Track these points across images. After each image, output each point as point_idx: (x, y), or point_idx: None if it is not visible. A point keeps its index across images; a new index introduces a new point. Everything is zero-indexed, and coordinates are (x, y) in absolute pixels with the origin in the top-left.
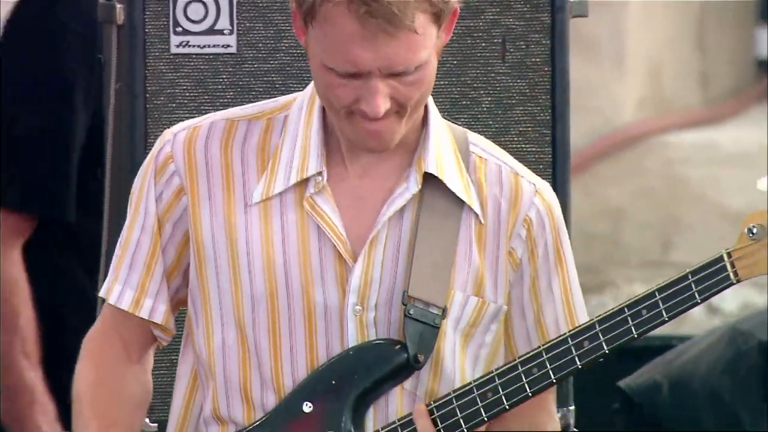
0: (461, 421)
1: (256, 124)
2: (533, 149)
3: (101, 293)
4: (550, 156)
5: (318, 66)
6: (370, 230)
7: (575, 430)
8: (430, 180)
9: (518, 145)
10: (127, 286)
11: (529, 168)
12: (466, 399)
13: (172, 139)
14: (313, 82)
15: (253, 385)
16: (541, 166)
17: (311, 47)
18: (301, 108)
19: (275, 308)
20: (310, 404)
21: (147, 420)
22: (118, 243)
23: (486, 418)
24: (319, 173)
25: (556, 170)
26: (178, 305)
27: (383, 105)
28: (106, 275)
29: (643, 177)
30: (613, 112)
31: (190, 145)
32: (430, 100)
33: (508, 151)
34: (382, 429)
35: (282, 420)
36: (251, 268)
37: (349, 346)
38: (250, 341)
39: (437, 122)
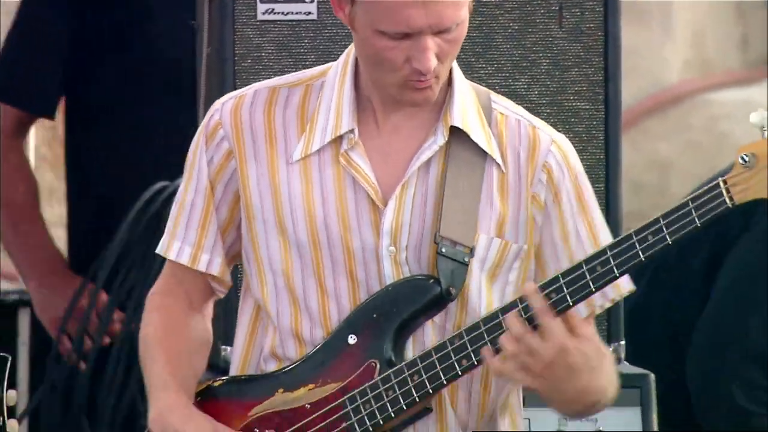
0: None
1: (296, 90)
2: (588, 107)
3: (159, 250)
4: (603, 113)
5: (369, 33)
6: (401, 179)
7: (626, 362)
8: (455, 133)
9: (574, 104)
10: (186, 242)
11: (582, 124)
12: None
13: (221, 108)
14: (350, 51)
15: (303, 325)
16: (594, 122)
17: (359, 18)
18: (335, 74)
19: (318, 254)
20: (354, 337)
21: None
22: (173, 203)
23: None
24: (351, 131)
25: (608, 126)
26: (234, 260)
27: (433, 61)
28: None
29: (688, 132)
30: (660, 73)
31: (237, 113)
32: (454, 65)
33: (564, 109)
34: (439, 343)
35: (330, 352)
36: (294, 219)
37: (387, 284)
38: (297, 286)
39: (461, 82)
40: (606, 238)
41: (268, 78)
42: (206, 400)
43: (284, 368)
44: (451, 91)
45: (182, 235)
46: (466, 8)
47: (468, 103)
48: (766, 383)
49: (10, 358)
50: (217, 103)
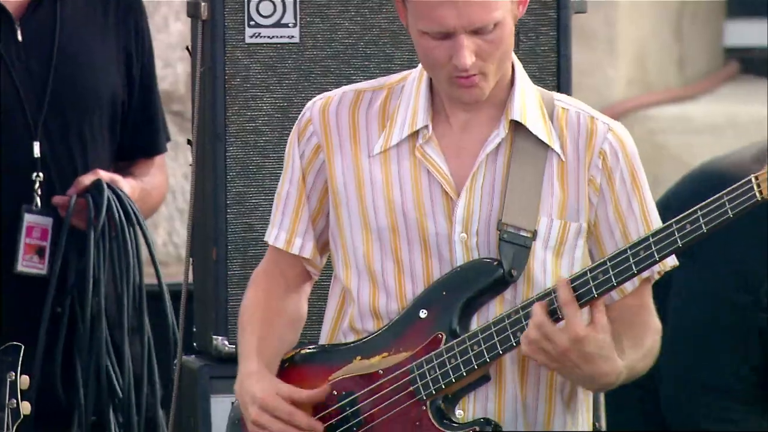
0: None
1: (379, 93)
2: None
3: (265, 237)
4: None
5: (417, 35)
6: (470, 171)
7: None
8: (518, 128)
9: None
10: (282, 229)
11: None
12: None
13: (311, 107)
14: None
15: (380, 302)
16: None
17: (410, 22)
18: (414, 79)
19: (396, 238)
20: (425, 311)
21: None
22: (275, 193)
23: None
24: (426, 126)
25: None
26: (325, 247)
27: (469, 58)
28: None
29: None
30: (605, 91)
31: (325, 111)
32: (519, 66)
33: None
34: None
35: (403, 324)
36: (375, 206)
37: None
38: (377, 266)
39: (523, 81)
40: (656, 217)
41: (256, 95)
42: (292, 365)
43: (362, 338)
44: (512, 89)
45: (279, 222)
46: (501, 11)
47: (529, 100)
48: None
49: (23, 347)
50: (309, 104)
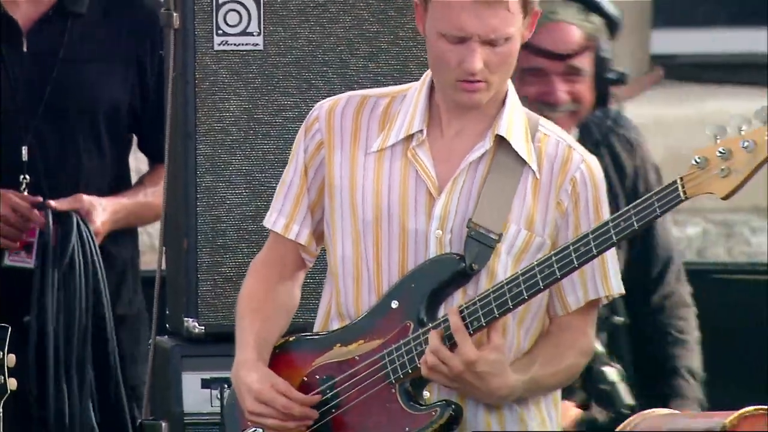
0: (481, 317)
1: (382, 100)
2: None
3: (264, 221)
4: None
5: (434, 37)
6: (453, 174)
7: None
8: (502, 142)
9: None
10: (281, 214)
11: None
12: (487, 299)
13: (320, 108)
14: (429, 72)
15: (363, 291)
16: None
17: (429, 24)
18: (415, 89)
19: (379, 230)
20: (396, 302)
21: None
22: (278, 184)
23: (527, 297)
24: (421, 131)
25: None
26: (321, 236)
27: (478, 63)
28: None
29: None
30: None
31: (331, 112)
32: (512, 87)
33: None
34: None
35: (377, 314)
36: (364, 199)
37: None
38: (361, 253)
39: (514, 102)
40: (613, 253)
41: (223, 97)
42: (281, 353)
43: (343, 327)
44: (503, 107)
45: (279, 208)
46: (514, 29)
47: (516, 120)
48: None
49: (9, 328)
50: (319, 104)
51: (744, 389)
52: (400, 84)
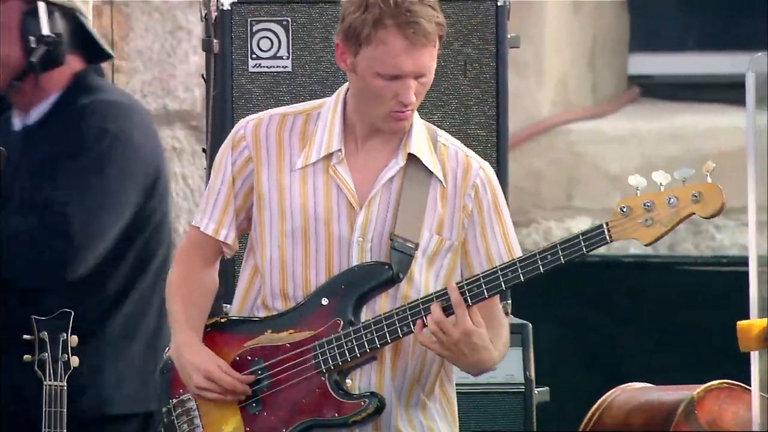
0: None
1: (299, 117)
2: (485, 134)
3: (194, 222)
4: (495, 139)
5: (369, 76)
6: (371, 189)
7: (512, 315)
8: (411, 158)
9: (475, 132)
10: (211, 220)
11: (480, 146)
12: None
13: (245, 126)
14: (340, 91)
15: (289, 287)
16: (489, 145)
17: (362, 65)
18: (329, 108)
19: (307, 236)
20: (326, 299)
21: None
22: (206, 188)
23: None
24: (339, 150)
25: (499, 148)
26: (241, 233)
27: (413, 96)
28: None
29: (554, 152)
30: (534, 110)
31: (256, 130)
32: None
33: (468, 136)
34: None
35: (308, 308)
36: (292, 211)
37: (353, 265)
38: (288, 258)
39: (417, 120)
40: (513, 238)
41: (256, 112)
42: (213, 331)
43: (273, 315)
44: (411, 126)
45: (210, 214)
46: (434, 62)
47: (421, 136)
48: None
49: (72, 313)
50: (242, 122)
51: (709, 372)
52: None
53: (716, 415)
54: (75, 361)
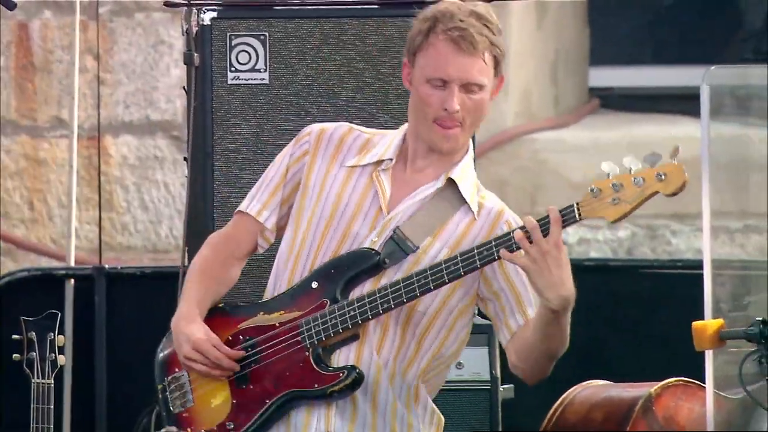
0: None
1: (365, 135)
2: None
3: (239, 207)
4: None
5: (420, 84)
6: (404, 202)
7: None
8: (451, 184)
9: None
10: (258, 201)
11: None
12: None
13: (314, 127)
14: (403, 128)
15: (296, 272)
16: None
17: (416, 74)
18: (393, 132)
19: (329, 227)
20: (316, 283)
21: None
22: (260, 179)
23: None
24: (390, 159)
25: None
26: (281, 229)
27: (456, 105)
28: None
29: (519, 160)
30: (500, 120)
31: (323, 131)
32: (471, 148)
33: None
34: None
35: (299, 291)
36: (326, 201)
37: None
38: (306, 244)
39: (470, 158)
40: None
41: (235, 123)
42: (212, 315)
43: (266, 300)
44: (461, 160)
45: (257, 197)
46: (487, 80)
47: (468, 172)
48: None
49: (59, 314)
50: (315, 125)
51: (666, 371)
52: (382, 111)
53: (673, 411)
54: (62, 359)
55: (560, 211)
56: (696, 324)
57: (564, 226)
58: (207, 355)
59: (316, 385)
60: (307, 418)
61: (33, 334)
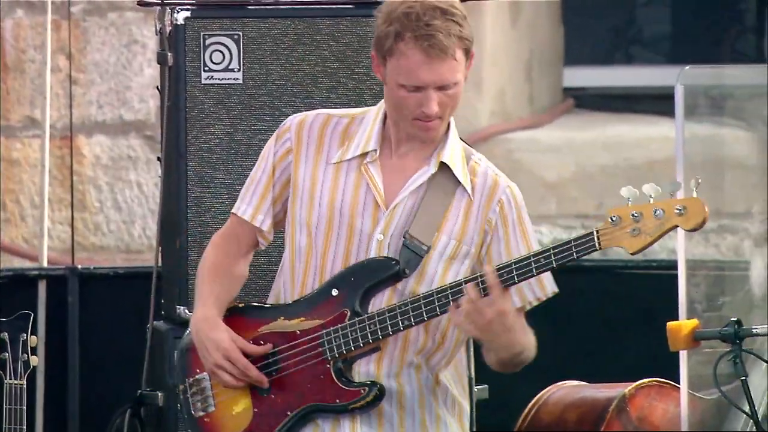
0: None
1: (344, 119)
2: None
3: (233, 210)
4: None
5: (394, 86)
6: (400, 192)
7: None
8: (443, 167)
9: None
10: (249, 205)
11: None
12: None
13: (292, 120)
14: (384, 99)
15: (309, 275)
16: None
17: (389, 75)
18: (372, 114)
19: (331, 227)
20: (336, 290)
21: None
22: (248, 179)
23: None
24: (375, 150)
25: None
26: (278, 225)
27: (435, 107)
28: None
29: (493, 159)
30: (474, 120)
31: (302, 125)
32: (453, 121)
33: None
34: (423, 294)
35: (319, 298)
36: (321, 201)
37: (364, 259)
38: (313, 245)
39: (455, 134)
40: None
41: (209, 123)
42: (232, 315)
43: (287, 303)
44: (446, 138)
45: (248, 200)
46: (460, 74)
47: (456, 149)
48: None
49: (32, 314)
50: (291, 117)
51: (640, 371)
52: None
53: (647, 411)
54: (34, 360)
55: (579, 238)
56: (670, 324)
57: (584, 254)
58: (236, 364)
59: (337, 401)
60: (333, 428)
61: (5, 335)
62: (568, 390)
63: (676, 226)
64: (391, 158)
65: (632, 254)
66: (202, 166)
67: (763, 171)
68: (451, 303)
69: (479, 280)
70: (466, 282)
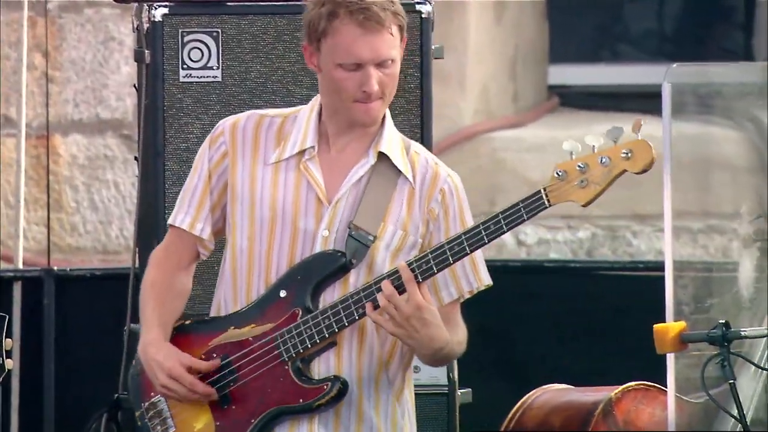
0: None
1: (277, 119)
2: None
3: (170, 221)
4: None
5: (332, 68)
6: (341, 186)
7: None
8: (382, 157)
9: None
10: (187, 214)
11: None
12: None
13: (224, 123)
14: (316, 99)
15: (253, 278)
16: None
17: (324, 59)
18: (305, 112)
19: (274, 228)
20: (284, 291)
21: None
22: (182, 188)
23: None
24: (312, 147)
25: None
26: (218, 233)
27: (375, 84)
28: (139, 237)
29: (477, 159)
30: (458, 119)
31: (235, 127)
32: (388, 113)
33: None
34: (361, 287)
35: (267, 302)
36: (262, 202)
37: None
38: (255, 248)
39: (390, 125)
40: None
41: (188, 122)
42: (180, 333)
43: (234, 312)
44: (382, 128)
45: (185, 210)
46: (396, 51)
47: (394, 139)
48: None
49: (7, 317)
50: (223, 120)
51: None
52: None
53: (633, 415)
54: (9, 363)
55: (527, 199)
56: (657, 327)
57: (534, 215)
58: (182, 382)
59: (300, 400)
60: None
61: None
62: (553, 394)
63: (624, 171)
64: (329, 153)
65: (584, 206)
66: (180, 165)
67: (752, 171)
68: (371, 300)
69: (394, 276)
70: (388, 277)
